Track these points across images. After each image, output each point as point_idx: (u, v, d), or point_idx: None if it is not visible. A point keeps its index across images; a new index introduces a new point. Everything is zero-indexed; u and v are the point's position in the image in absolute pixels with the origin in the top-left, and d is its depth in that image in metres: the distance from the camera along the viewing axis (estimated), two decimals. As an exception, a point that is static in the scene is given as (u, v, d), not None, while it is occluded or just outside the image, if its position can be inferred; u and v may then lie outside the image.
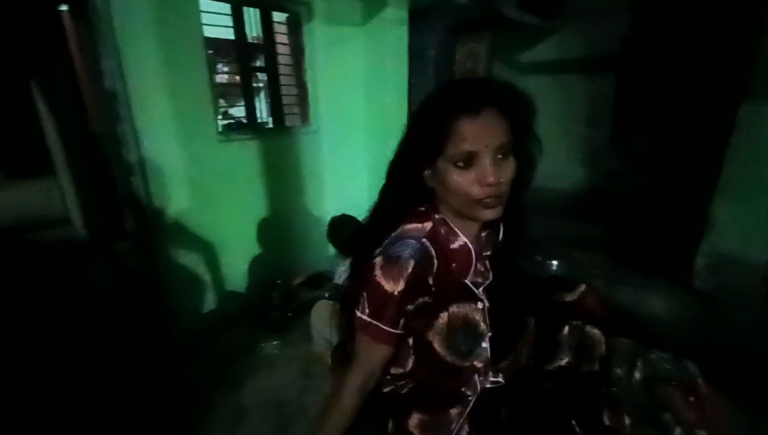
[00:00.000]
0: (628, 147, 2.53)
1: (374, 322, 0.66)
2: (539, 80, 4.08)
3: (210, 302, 2.18)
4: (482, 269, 0.74)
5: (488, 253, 0.76)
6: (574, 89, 3.82)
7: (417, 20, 2.76)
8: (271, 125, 2.41)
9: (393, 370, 0.75)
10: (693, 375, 0.90)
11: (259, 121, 2.37)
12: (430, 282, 0.68)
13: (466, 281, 0.72)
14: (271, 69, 2.29)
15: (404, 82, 2.82)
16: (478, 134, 0.61)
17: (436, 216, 0.71)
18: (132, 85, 1.66)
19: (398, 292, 0.64)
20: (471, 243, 0.71)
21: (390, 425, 0.76)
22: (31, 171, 4.72)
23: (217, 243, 2.11)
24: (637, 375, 0.91)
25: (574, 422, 0.65)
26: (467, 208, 0.65)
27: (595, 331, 0.77)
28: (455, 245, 0.71)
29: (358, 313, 0.67)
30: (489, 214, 0.64)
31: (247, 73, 2.17)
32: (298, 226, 2.54)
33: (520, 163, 0.66)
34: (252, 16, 2.17)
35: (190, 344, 1.95)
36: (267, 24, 2.22)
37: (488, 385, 0.75)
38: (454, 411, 0.74)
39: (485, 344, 0.74)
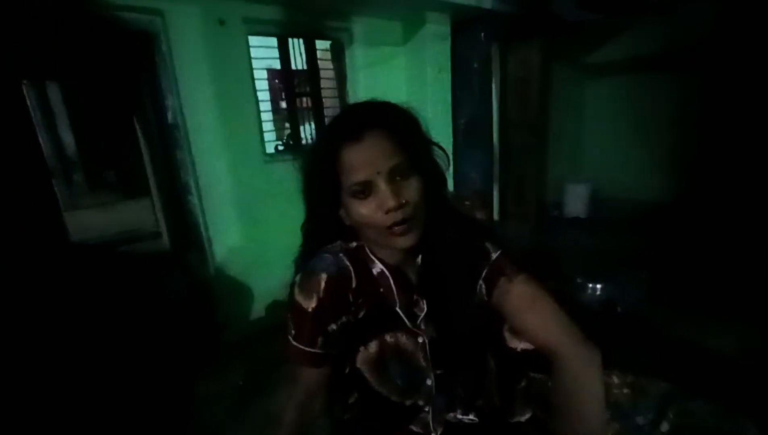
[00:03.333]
0: (718, 154, 2.13)
1: (297, 344, 0.63)
2: (609, 82, 3.72)
3: (257, 311, 2.34)
4: (416, 299, 0.67)
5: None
6: (653, 89, 3.40)
7: (460, 33, 2.73)
8: (316, 146, 2.55)
9: (349, 399, 0.72)
10: (745, 435, 0.71)
11: (304, 143, 2.52)
12: (350, 299, 0.64)
13: (398, 310, 0.66)
14: (315, 93, 2.44)
15: (447, 96, 2.79)
16: (366, 161, 0.57)
17: (360, 242, 0.68)
18: (189, 116, 1.90)
19: (312, 308, 0.62)
20: (392, 269, 0.66)
21: None
22: (137, 191, 5.66)
23: (263, 256, 2.27)
24: (666, 426, 0.75)
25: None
26: (382, 238, 0.60)
27: None
28: (375, 271, 0.66)
29: (288, 336, 0.65)
30: (403, 242, 0.59)
31: (291, 99, 2.34)
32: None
33: (427, 180, 0.60)
34: (297, 46, 2.34)
35: (236, 350, 2.10)
36: (310, 52, 2.38)
37: (465, 421, 0.68)
38: None
39: (429, 382, 0.67)
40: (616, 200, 3.57)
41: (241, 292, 2.27)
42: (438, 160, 0.64)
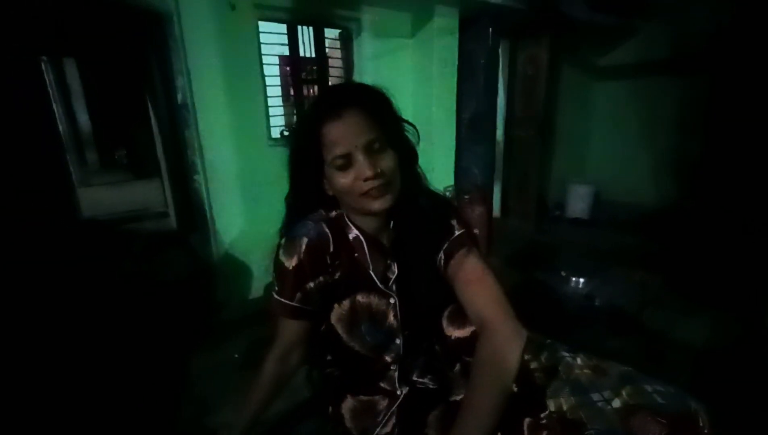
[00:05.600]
0: (723, 159, 2.14)
1: (279, 298, 0.71)
2: (617, 85, 3.70)
3: (256, 291, 2.41)
4: (389, 263, 0.74)
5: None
6: (661, 93, 3.38)
7: (468, 28, 2.74)
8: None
9: (326, 357, 0.79)
10: (691, 415, 0.76)
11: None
12: (328, 261, 0.71)
13: (371, 273, 0.73)
14: (323, 81, 2.49)
15: (452, 90, 2.81)
16: (346, 135, 0.64)
17: (340, 211, 0.75)
18: (198, 98, 1.96)
19: (293, 266, 0.69)
20: (367, 236, 0.73)
21: (330, 409, 0.80)
22: (147, 172, 5.79)
23: (264, 237, 2.33)
24: (618, 403, 0.80)
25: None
26: (359, 204, 0.67)
27: None
28: (351, 236, 0.73)
29: (273, 292, 0.73)
30: (377, 205, 0.66)
31: (299, 86, 2.39)
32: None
33: (401, 154, 0.68)
34: (307, 34, 2.39)
35: (234, 327, 2.17)
36: (319, 40, 2.42)
37: (418, 385, 0.74)
38: (382, 403, 0.75)
39: (398, 341, 0.74)
40: (618, 203, 3.58)
41: (241, 271, 2.34)
42: (409, 137, 0.72)
